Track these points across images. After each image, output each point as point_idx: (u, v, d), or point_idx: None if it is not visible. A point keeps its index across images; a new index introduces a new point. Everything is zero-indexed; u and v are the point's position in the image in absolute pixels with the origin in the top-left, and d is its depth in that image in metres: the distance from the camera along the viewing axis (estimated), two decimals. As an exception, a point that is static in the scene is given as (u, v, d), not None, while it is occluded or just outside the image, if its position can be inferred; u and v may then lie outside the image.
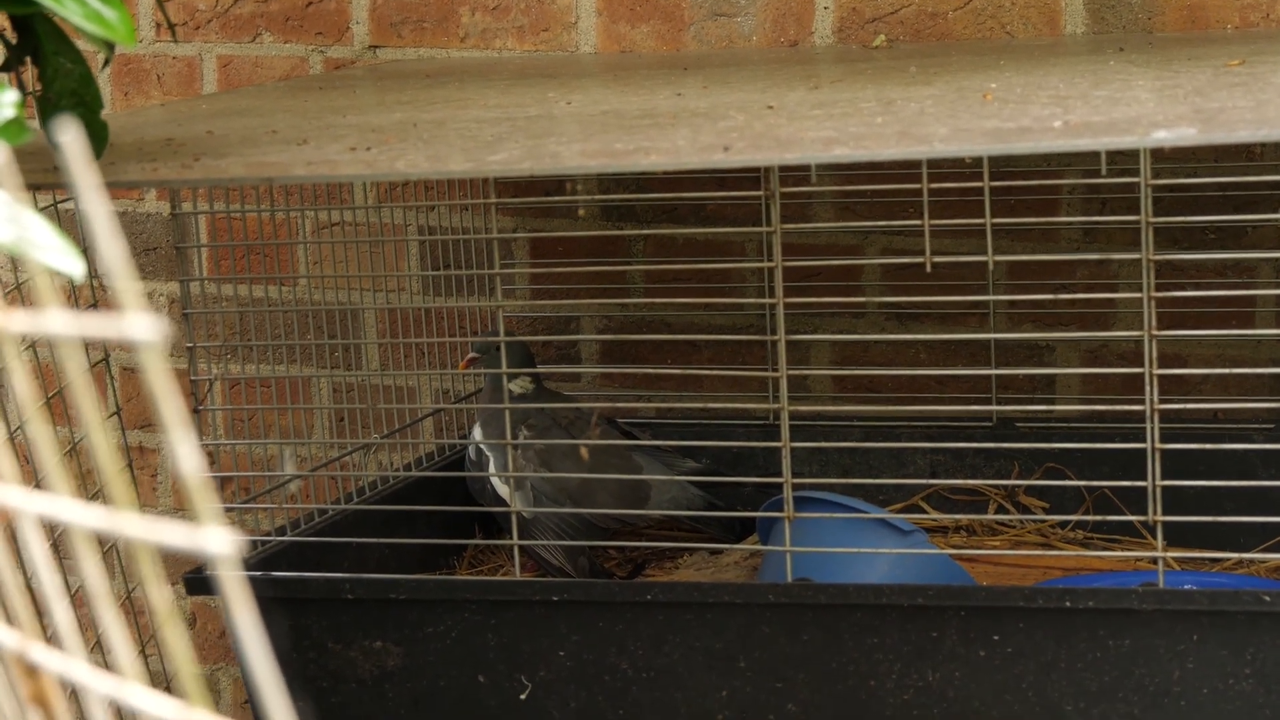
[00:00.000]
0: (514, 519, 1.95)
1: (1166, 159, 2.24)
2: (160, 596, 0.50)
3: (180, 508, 2.70)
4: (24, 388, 0.57)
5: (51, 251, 0.70)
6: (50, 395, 2.30)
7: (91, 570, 0.52)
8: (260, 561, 1.97)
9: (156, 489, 2.70)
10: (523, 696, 1.85)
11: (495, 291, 2.09)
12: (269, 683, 0.48)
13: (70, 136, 0.46)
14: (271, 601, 1.88)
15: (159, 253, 2.65)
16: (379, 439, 2.30)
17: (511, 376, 2.20)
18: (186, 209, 2.09)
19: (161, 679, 2.47)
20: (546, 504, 2.16)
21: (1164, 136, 1.39)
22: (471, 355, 2.22)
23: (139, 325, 0.46)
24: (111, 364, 2.44)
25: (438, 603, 1.87)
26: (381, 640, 1.88)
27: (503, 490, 2.15)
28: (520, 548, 2.11)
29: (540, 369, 2.32)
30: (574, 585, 1.92)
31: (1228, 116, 1.43)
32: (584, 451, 2.19)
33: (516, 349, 2.23)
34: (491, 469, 2.17)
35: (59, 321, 0.49)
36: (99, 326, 0.48)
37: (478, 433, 2.22)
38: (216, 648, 2.66)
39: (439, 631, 1.87)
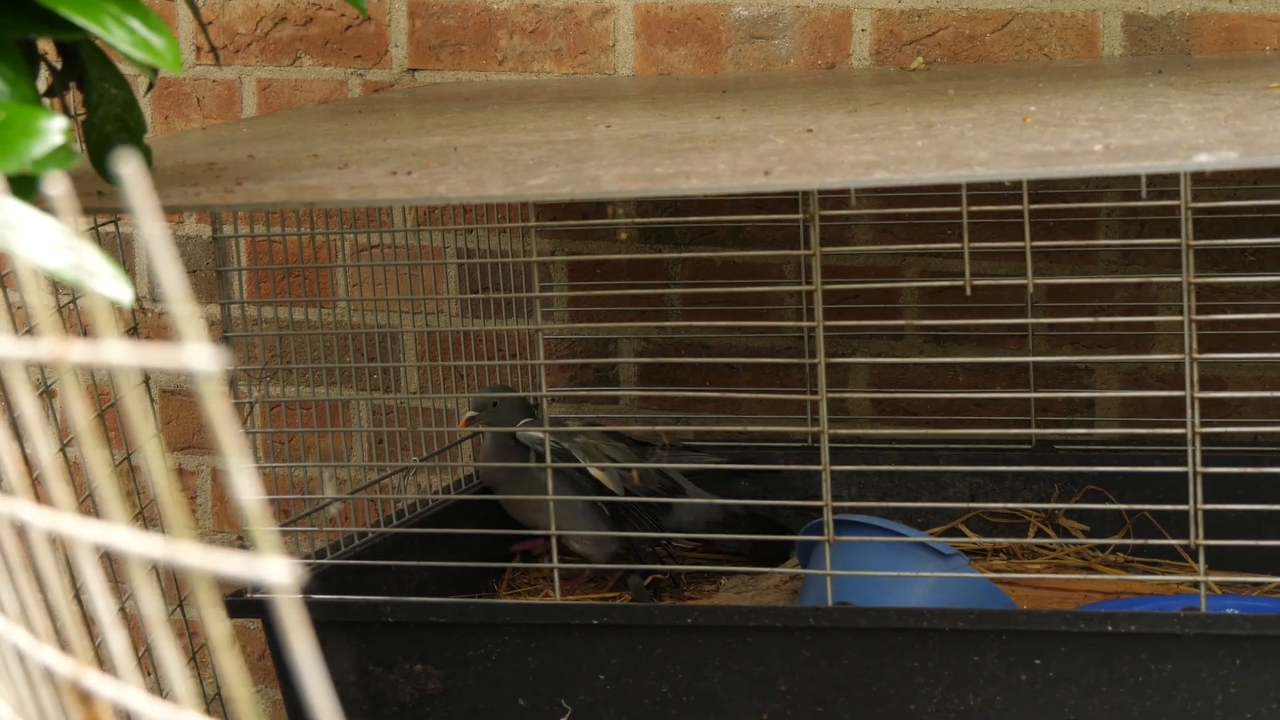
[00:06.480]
0: (553, 541, 1.95)
1: (1206, 181, 2.24)
2: (217, 625, 0.51)
3: (220, 530, 2.70)
4: (80, 414, 0.58)
5: (104, 279, 0.71)
6: (92, 416, 2.30)
7: (149, 599, 0.53)
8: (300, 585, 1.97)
9: (196, 511, 2.71)
10: (563, 720, 1.85)
11: (534, 314, 2.09)
12: (328, 710, 0.48)
13: (131, 169, 0.46)
14: (311, 624, 1.88)
15: (199, 275, 2.66)
16: (418, 462, 2.30)
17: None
18: (227, 232, 2.09)
19: (202, 699, 2.47)
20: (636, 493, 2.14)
21: (1205, 160, 1.38)
22: (470, 414, 2.14)
23: (199, 355, 0.46)
24: (151, 387, 2.44)
25: (478, 626, 1.87)
26: (422, 663, 1.89)
27: (599, 474, 2.11)
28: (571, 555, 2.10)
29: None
30: (614, 609, 1.92)
31: (1269, 140, 1.43)
32: (635, 474, 2.19)
33: (515, 405, 2.16)
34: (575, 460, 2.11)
35: (118, 352, 0.49)
36: (159, 357, 0.48)
37: (535, 432, 2.11)
38: (256, 670, 2.67)
39: (479, 655, 1.87)
